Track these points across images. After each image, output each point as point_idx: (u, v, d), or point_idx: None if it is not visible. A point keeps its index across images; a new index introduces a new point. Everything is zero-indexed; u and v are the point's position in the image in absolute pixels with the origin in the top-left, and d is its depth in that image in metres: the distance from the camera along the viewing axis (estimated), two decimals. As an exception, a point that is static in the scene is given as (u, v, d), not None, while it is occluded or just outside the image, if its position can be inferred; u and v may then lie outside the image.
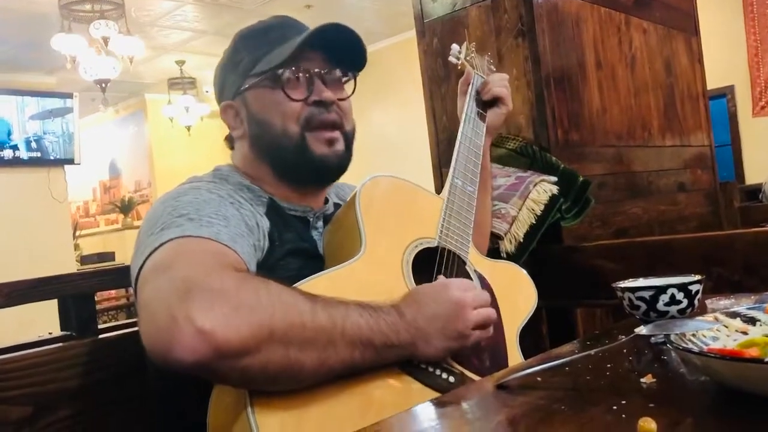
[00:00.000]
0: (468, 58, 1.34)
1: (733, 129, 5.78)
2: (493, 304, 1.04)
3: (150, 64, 7.21)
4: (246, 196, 1.02)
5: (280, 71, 1.03)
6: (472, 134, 1.24)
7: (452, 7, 2.01)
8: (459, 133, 1.23)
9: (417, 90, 2.31)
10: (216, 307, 0.72)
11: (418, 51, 2.11)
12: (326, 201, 1.15)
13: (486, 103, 1.30)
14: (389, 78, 6.57)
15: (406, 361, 0.88)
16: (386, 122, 6.98)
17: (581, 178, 1.78)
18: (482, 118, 1.28)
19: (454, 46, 1.33)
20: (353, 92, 1.13)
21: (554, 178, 1.75)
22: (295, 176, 1.07)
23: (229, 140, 1.15)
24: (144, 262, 0.84)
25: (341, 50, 1.07)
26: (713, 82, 3.32)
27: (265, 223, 1.00)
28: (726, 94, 5.72)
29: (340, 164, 1.07)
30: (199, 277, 0.76)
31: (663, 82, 2.42)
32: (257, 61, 1.06)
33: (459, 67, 1.34)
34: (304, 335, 0.76)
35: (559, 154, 1.84)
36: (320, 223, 1.10)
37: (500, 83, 1.30)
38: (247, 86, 1.06)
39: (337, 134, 1.06)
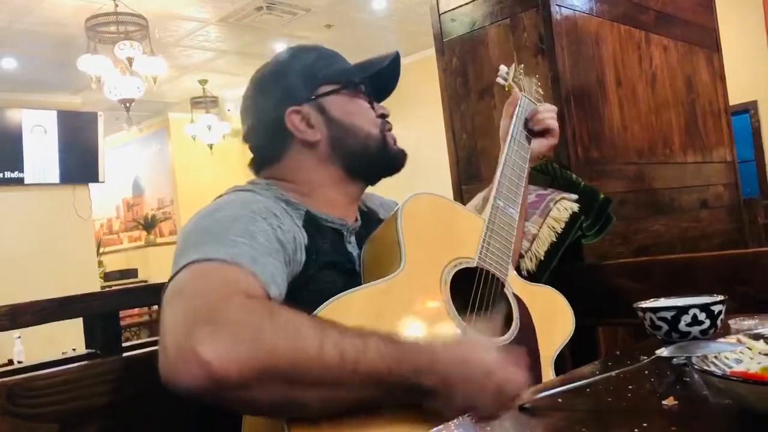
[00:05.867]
0: (515, 80, 1.33)
1: (757, 145, 5.71)
2: (531, 329, 1.05)
3: (173, 84, 7.32)
4: (284, 207, 1.04)
5: (361, 84, 1.15)
6: (516, 156, 1.25)
7: (471, 26, 2.02)
8: (503, 155, 1.24)
9: (436, 107, 2.32)
10: (219, 338, 0.73)
11: (437, 69, 2.12)
12: (356, 219, 1.17)
13: (533, 131, 1.31)
14: (409, 95, 6.58)
15: None
16: (405, 138, 6.94)
17: (602, 196, 1.77)
18: (528, 141, 1.29)
19: (502, 68, 1.33)
20: None
21: (575, 196, 1.75)
22: (370, 171, 1.17)
23: (256, 164, 1.17)
24: (169, 281, 0.87)
25: (381, 80, 1.18)
26: (736, 98, 3.27)
27: (303, 237, 1.01)
28: (749, 109, 5.66)
29: (405, 158, 1.21)
30: (207, 307, 0.77)
31: (684, 98, 2.41)
32: (342, 71, 1.16)
33: (506, 89, 1.33)
34: (309, 373, 0.75)
35: (579, 172, 1.83)
36: (353, 238, 1.12)
37: (550, 115, 1.32)
38: (325, 92, 1.13)
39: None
